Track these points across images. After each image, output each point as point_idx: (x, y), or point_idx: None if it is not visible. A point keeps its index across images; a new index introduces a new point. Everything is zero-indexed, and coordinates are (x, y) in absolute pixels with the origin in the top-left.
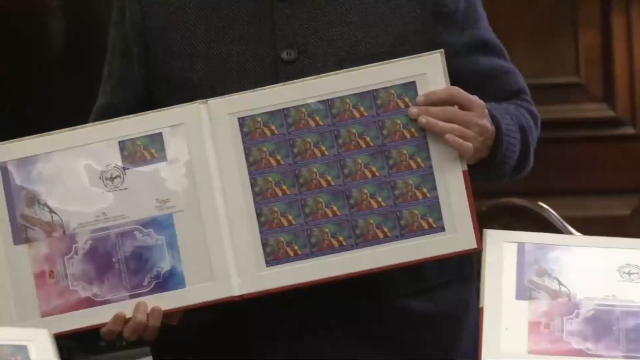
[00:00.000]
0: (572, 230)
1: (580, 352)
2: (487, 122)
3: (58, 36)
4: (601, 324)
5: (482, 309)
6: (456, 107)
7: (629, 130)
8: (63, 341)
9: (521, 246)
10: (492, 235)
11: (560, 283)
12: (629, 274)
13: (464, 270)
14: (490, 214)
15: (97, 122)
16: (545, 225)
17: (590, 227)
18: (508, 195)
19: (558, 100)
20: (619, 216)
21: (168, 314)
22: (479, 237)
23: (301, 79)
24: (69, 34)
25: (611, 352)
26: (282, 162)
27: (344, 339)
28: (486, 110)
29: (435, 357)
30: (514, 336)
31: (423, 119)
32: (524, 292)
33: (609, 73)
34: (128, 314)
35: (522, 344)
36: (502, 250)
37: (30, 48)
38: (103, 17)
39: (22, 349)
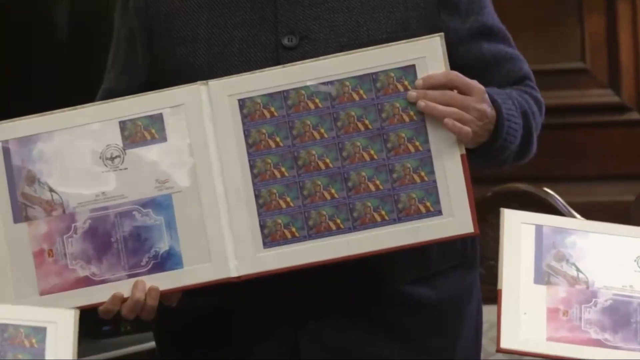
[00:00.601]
0: (577, 215)
1: (598, 342)
2: (486, 107)
3: (62, 25)
4: (619, 315)
5: (500, 291)
6: (455, 91)
7: (634, 115)
8: None
9: (539, 228)
10: (510, 215)
11: (578, 270)
12: None
13: (468, 256)
14: (495, 199)
15: (98, 102)
16: (550, 211)
17: (595, 212)
18: (513, 180)
19: (563, 86)
20: (623, 202)
21: (166, 296)
22: (476, 222)
23: (301, 62)
24: (73, 23)
25: (629, 345)
26: (281, 144)
27: (346, 325)
28: (486, 95)
29: (437, 344)
30: (532, 322)
31: (422, 103)
32: (542, 276)
33: (615, 59)
34: (126, 294)
35: (541, 330)
36: (520, 232)
37: (33, 38)
38: (107, 6)
39: (41, 330)
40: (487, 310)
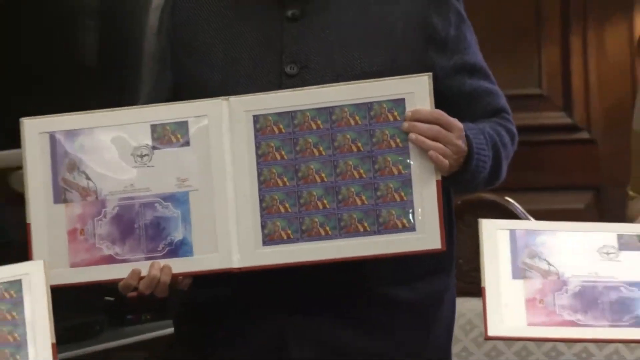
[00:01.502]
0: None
1: (572, 323)
2: (462, 143)
3: (92, 51)
4: (588, 298)
5: (483, 288)
6: (438, 127)
7: (584, 135)
8: (95, 316)
9: (512, 232)
10: (487, 224)
11: (549, 263)
12: (607, 253)
13: (444, 262)
14: (464, 207)
15: (134, 106)
16: (511, 218)
17: (549, 219)
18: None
19: (523, 109)
20: (575, 210)
21: (177, 280)
22: (444, 239)
23: (309, 87)
24: (104, 50)
25: (598, 322)
26: (285, 157)
27: (330, 320)
28: (463, 132)
29: (412, 340)
30: (513, 312)
31: (413, 135)
32: (519, 272)
33: (567, 85)
34: (143, 272)
35: (522, 318)
36: (497, 237)
37: (65, 63)
38: (134, 33)
39: (17, 283)
40: (458, 302)
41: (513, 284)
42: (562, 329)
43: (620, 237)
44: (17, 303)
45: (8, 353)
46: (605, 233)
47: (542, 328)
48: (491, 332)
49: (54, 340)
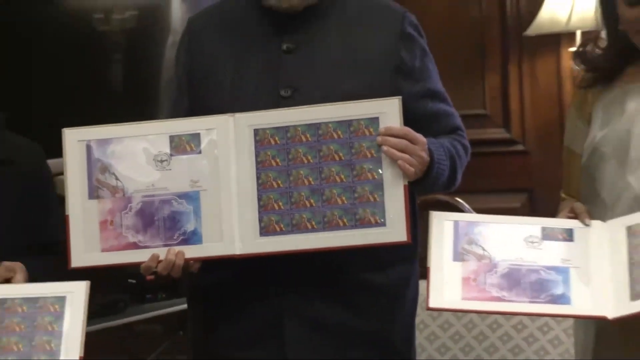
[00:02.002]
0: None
1: (498, 298)
2: (425, 155)
3: (118, 78)
4: (512, 278)
5: (428, 268)
6: (405, 141)
7: (520, 147)
8: (120, 295)
9: (456, 223)
10: (436, 215)
11: (483, 249)
12: (532, 242)
13: (409, 252)
14: (423, 205)
15: (156, 120)
16: None
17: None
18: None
19: (470, 127)
20: (511, 208)
21: (189, 263)
22: (409, 233)
23: (300, 107)
24: (127, 77)
25: (520, 298)
26: (279, 164)
27: (318, 299)
28: (426, 146)
29: (386, 315)
30: (451, 288)
31: (385, 148)
32: (459, 256)
33: (506, 107)
34: (161, 257)
35: (458, 293)
36: (443, 226)
37: (93, 89)
38: (153, 63)
39: (62, 299)
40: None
41: (453, 265)
42: (490, 303)
43: (543, 229)
44: (59, 317)
45: None
46: (531, 226)
47: (473, 302)
48: (432, 304)
49: (82, 355)
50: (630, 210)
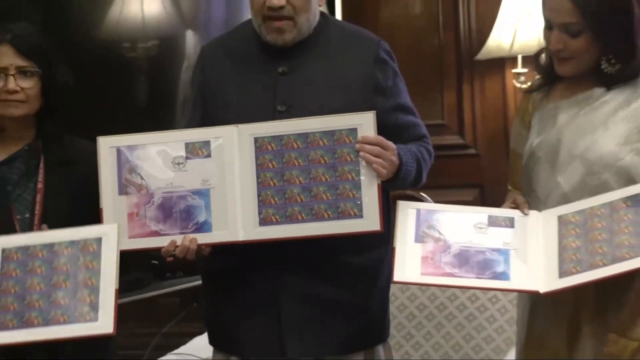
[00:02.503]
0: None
1: (450, 274)
2: (395, 159)
3: (142, 96)
4: (463, 258)
5: (394, 248)
6: (379, 148)
7: (472, 151)
8: (145, 273)
9: (418, 211)
10: (402, 204)
11: (440, 233)
12: (480, 228)
13: (383, 238)
14: (394, 198)
15: (174, 130)
16: None
17: None
18: None
19: (431, 134)
20: (466, 201)
21: (202, 248)
22: (383, 223)
23: (292, 119)
24: (151, 94)
25: (468, 275)
26: (275, 166)
27: (309, 279)
28: (396, 151)
29: (365, 290)
30: (412, 265)
31: (362, 153)
32: (419, 238)
33: (461, 118)
34: (178, 242)
35: (417, 269)
36: (407, 213)
37: (121, 105)
38: (172, 84)
39: (99, 240)
40: None
41: (414, 246)
42: (443, 278)
43: (489, 217)
44: (96, 255)
45: (86, 294)
46: (480, 214)
47: (430, 277)
48: (396, 278)
49: (117, 287)
50: (559, 203)
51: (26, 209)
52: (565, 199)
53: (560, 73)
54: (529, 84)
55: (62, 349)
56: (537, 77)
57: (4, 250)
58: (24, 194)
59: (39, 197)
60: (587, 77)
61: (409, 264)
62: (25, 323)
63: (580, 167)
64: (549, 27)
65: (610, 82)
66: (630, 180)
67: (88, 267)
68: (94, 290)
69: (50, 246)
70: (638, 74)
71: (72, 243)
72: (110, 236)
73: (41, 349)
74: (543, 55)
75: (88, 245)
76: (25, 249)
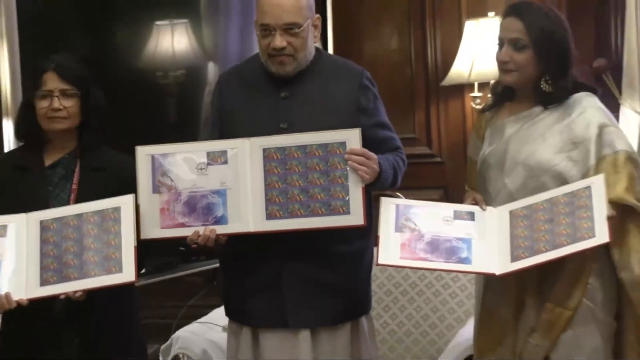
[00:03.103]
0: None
1: (424, 259)
2: (376, 167)
3: (173, 112)
4: (434, 245)
5: (378, 236)
6: (363, 158)
7: (438, 159)
8: (173, 257)
9: (398, 205)
10: (384, 200)
11: (415, 224)
12: (447, 220)
13: (367, 231)
14: (375, 197)
15: (198, 142)
16: None
17: None
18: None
19: (405, 146)
20: (432, 199)
21: (219, 238)
22: (366, 219)
23: (293, 134)
24: (179, 112)
25: (438, 259)
26: (280, 171)
27: (306, 263)
28: (377, 161)
29: (352, 274)
30: (393, 250)
31: (350, 162)
32: (399, 228)
33: (429, 132)
34: (200, 232)
35: (397, 254)
36: (389, 207)
37: (154, 120)
38: (197, 105)
39: (118, 209)
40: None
41: (394, 235)
42: (418, 262)
43: (455, 211)
44: (117, 220)
45: (111, 251)
46: (447, 209)
47: (407, 261)
48: (380, 261)
49: (136, 244)
50: (506, 201)
51: (61, 205)
52: (511, 197)
53: (504, 82)
54: (482, 105)
55: (95, 345)
56: (489, 100)
57: (42, 222)
58: (62, 194)
59: (72, 196)
60: (528, 98)
61: (390, 249)
62: (64, 278)
63: (522, 171)
64: (500, 45)
65: (546, 102)
66: (564, 182)
67: (111, 230)
68: (117, 248)
69: (79, 216)
70: (567, 96)
71: (97, 212)
72: (127, 204)
73: (74, 344)
74: (494, 82)
75: (110, 213)
76: (59, 220)
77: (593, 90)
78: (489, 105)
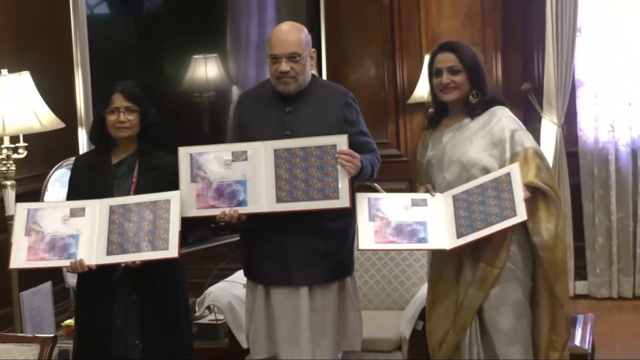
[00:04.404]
0: (386, 194)
1: (392, 242)
2: (359, 163)
3: (207, 125)
4: (399, 230)
5: (357, 226)
6: (349, 156)
7: (404, 159)
8: (206, 232)
9: (369, 198)
10: (359, 195)
11: (383, 213)
12: (407, 207)
13: (351, 211)
14: (358, 188)
15: (225, 144)
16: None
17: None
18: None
19: (380, 148)
20: (400, 189)
21: (241, 217)
22: (352, 201)
23: (296, 139)
24: (211, 125)
25: (403, 241)
26: (286, 167)
27: (306, 235)
28: (360, 159)
29: (340, 244)
30: (369, 237)
31: (339, 160)
32: (372, 217)
33: (398, 138)
34: (226, 212)
35: (372, 240)
36: (363, 201)
37: (197, 129)
38: (224, 119)
39: (168, 201)
40: None
41: (369, 224)
42: (388, 244)
43: (412, 199)
44: (167, 210)
45: (161, 233)
46: (405, 198)
47: (380, 244)
48: (360, 247)
49: (180, 229)
50: (446, 190)
51: (124, 195)
52: (450, 187)
53: (447, 100)
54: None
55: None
56: (426, 122)
57: (111, 207)
58: (124, 186)
59: (132, 188)
60: (459, 114)
61: (367, 236)
62: (124, 251)
63: (457, 167)
64: (438, 74)
65: (473, 113)
66: (488, 173)
67: (162, 217)
68: (166, 231)
69: (139, 204)
70: (488, 107)
71: (152, 202)
72: (175, 198)
73: (131, 299)
74: (430, 110)
75: (162, 204)
76: (124, 206)
77: (503, 103)
78: (428, 125)
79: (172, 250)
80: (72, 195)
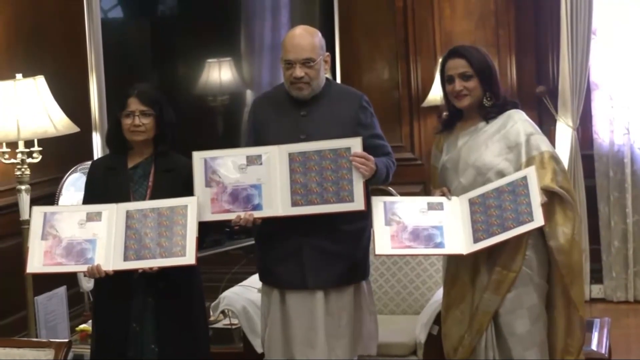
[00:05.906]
0: (402, 197)
1: (409, 247)
2: (373, 166)
3: (221, 128)
4: (415, 234)
5: (373, 230)
6: (364, 159)
7: (419, 162)
8: (221, 236)
9: (385, 202)
10: (374, 199)
11: (399, 217)
12: (423, 212)
13: (366, 215)
14: (372, 191)
15: (239, 148)
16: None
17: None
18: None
19: (395, 152)
20: (414, 192)
21: (256, 220)
22: (367, 204)
23: (310, 142)
24: (225, 128)
25: (419, 246)
26: (301, 170)
27: (321, 238)
28: (374, 161)
29: (355, 247)
30: (385, 242)
31: (354, 162)
32: (388, 222)
33: (412, 142)
34: (241, 216)
35: (389, 245)
36: (378, 205)
37: (212, 133)
38: (238, 122)
39: (185, 207)
40: None
41: (385, 228)
42: (405, 250)
43: (428, 203)
44: (184, 215)
45: (178, 239)
46: (421, 201)
47: (397, 249)
48: (377, 252)
49: (197, 235)
50: (461, 194)
51: (140, 199)
52: (465, 191)
53: (460, 106)
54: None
55: (163, 303)
56: (439, 126)
57: (128, 211)
58: (140, 189)
59: (148, 192)
60: (473, 117)
61: (383, 241)
62: (141, 257)
63: (473, 171)
64: (450, 81)
65: (487, 117)
66: (503, 177)
67: (179, 223)
68: (183, 237)
69: (156, 209)
70: (502, 110)
71: (170, 208)
72: (193, 204)
73: (147, 303)
74: (444, 114)
75: (179, 209)
76: (141, 211)
77: (517, 105)
78: (442, 128)
79: (189, 257)
80: (88, 199)
